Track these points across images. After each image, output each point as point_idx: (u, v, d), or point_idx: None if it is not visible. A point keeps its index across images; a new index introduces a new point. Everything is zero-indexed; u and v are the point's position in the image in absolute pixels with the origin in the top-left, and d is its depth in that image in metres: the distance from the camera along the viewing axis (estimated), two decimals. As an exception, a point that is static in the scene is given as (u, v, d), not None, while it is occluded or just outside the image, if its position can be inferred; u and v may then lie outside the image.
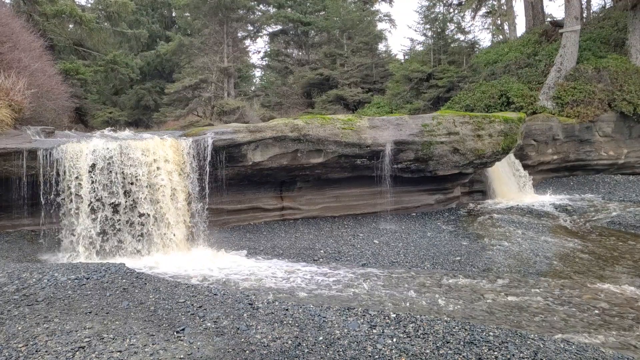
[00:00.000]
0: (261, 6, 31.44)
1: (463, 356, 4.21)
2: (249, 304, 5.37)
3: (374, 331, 4.71)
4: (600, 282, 7.27)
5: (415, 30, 41.87)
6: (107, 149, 8.66)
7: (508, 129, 12.12)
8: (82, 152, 8.51)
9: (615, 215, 11.80)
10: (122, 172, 8.63)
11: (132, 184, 8.68)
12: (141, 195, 8.67)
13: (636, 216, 11.39)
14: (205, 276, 7.37)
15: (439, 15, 25.59)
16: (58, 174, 8.47)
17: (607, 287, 7.03)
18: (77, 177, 8.46)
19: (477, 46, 26.75)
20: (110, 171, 8.60)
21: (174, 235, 8.89)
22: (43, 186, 8.44)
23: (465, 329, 4.79)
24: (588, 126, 16.83)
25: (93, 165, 8.52)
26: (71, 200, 8.43)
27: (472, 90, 19.59)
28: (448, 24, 25.51)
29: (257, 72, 42.31)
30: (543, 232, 10.35)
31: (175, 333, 4.50)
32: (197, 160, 9.37)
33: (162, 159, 8.96)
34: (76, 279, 5.98)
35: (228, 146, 9.61)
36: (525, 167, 15.45)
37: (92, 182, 8.50)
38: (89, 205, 8.44)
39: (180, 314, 5.02)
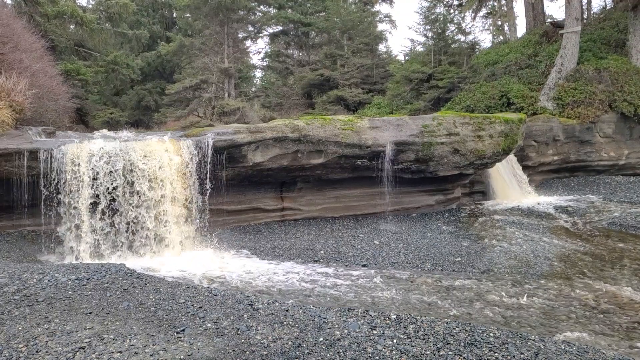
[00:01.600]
0: (262, 7, 31.46)
1: (464, 357, 4.21)
2: (249, 304, 5.37)
3: (375, 332, 4.71)
4: (601, 283, 7.26)
5: (416, 31, 41.89)
6: (111, 172, 8.54)
7: (508, 130, 12.12)
8: (83, 182, 8.41)
9: (616, 216, 11.78)
10: (127, 215, 8.66)
11: (136, 232, 8.71)
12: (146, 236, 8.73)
13: (637, 217, 11.37)
14: (205, 277, 7.37)
15: (440, 16, 25.58)
16: (58, 213, 8.47)
17: (608, 289, 7.02)
18: (77, 226, 8.41)
19: (477, 47, 26.75)
20: (115, 212, 8.58)
21: (174, 237, 8.91)
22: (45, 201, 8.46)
23: (466, 330, 4.79)
24: (589, 127, 16.82)
25: (95, 204, 8.46)
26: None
27: (472, 91, 19.59)
28: (448, 24, 25.50)
29: (258, 73, 42.37)
30: (544, 233, 10.34)
31: (175, 334, 4.50)
32: (197, 162, 9.38)
33: (169, 197, 8.94)
34: (77, 279, 5.98)
35: (228, 147, 9.61)
36: (525, 167, 15.45)
37: (93, 230, 8.47)
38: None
39: (180, 314, 5.02)
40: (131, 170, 8.69)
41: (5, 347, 4.15)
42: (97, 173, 8.49)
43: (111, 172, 8.57)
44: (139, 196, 8.70)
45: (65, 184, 8.43)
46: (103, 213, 8.53)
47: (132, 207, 8.68)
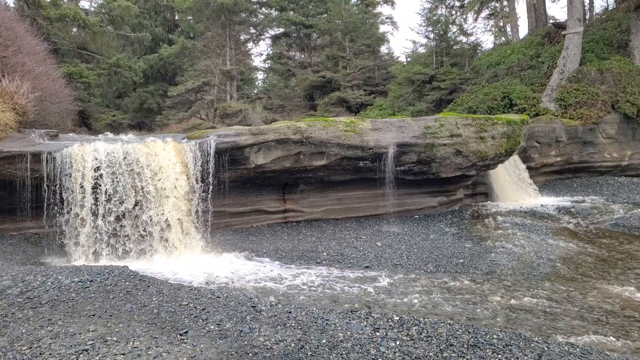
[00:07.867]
0: (263, 9, 31.55)
1: (467, 359, 4.20)
2: (252, 306, 5.36)
3: (378, 334, 4.70)
4: (604, 285, 7.24)
5: (418, 33, 41.68)
6: (114, 174, 8.52)
7: (511, 131, 12.10)
8: (86, 185, 8.42)
9: (619, 217, 11.74)
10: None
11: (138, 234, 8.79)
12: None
13: (640, 218, 11.34)
14: (207, 279, 7.37)
15: (441, 18, 25.56)
16: (61, 216, 8.46)
17: (611, 290, 7.00)
18: (80, 228, 8.36)
19: (479, 48, 26.71)
20: (118, 214, 8.61)
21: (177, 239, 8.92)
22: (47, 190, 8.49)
23: (469, 332, 4.77)
24: (591, 128, 16.78)
25: (97, 206, 8.49)
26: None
27: (474, 93, 19.57)
28: (450, 26, 25.45)
29: (260, 75, 42.41)
30: (546, 235, 10.31)
31: (178, 336, 4.51)
32: (200, 164, 9.39)
33: (172, 199, 8.98)
34: (80, 281, 5.99)
35: (231, 149, 9.62)
36: (528, 169, 15.42)
37: (96, 232, 8.43)
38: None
39: (183, 316, 5.02)
40: (134, 173, 8.70)
41: (9, 349, 4.16)
42: (100, 175, 8.51)
43: (114, 174, 8.58)
44: (142, 198, 8.72)
45: (68, 186, 8.45)
46: (106, 215, 8.54)
47: (135, 209, 8.69)
